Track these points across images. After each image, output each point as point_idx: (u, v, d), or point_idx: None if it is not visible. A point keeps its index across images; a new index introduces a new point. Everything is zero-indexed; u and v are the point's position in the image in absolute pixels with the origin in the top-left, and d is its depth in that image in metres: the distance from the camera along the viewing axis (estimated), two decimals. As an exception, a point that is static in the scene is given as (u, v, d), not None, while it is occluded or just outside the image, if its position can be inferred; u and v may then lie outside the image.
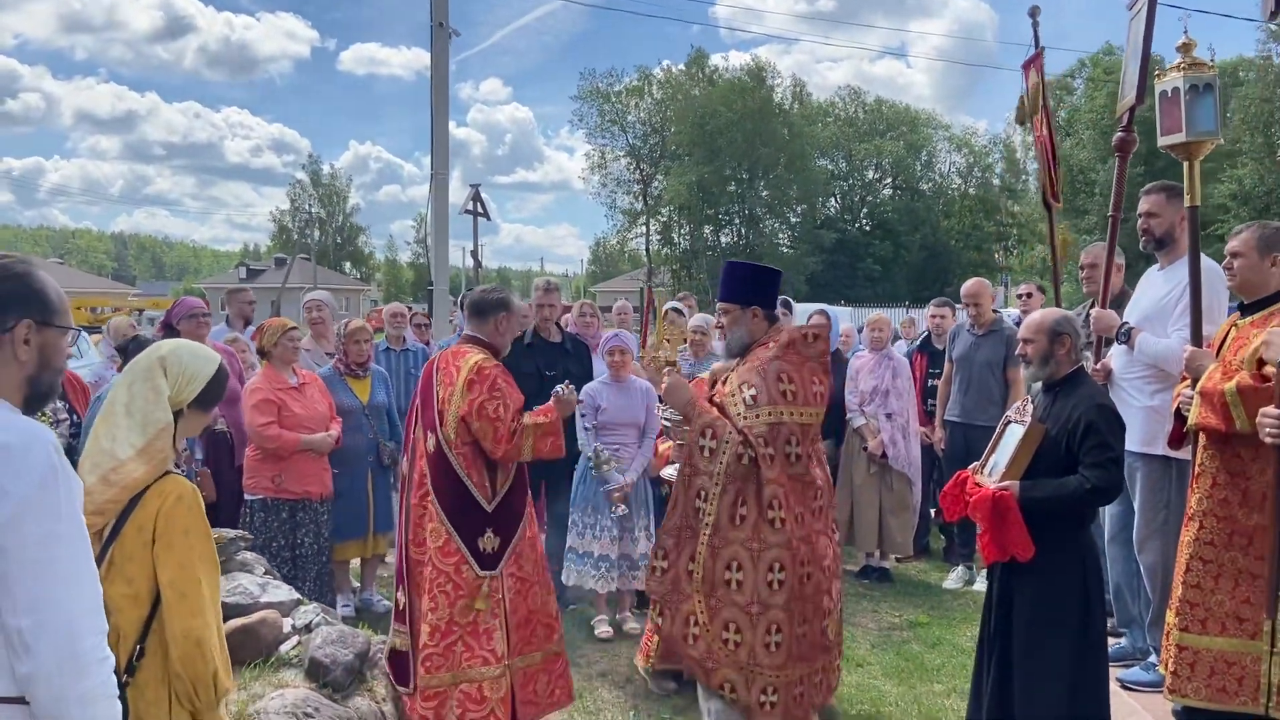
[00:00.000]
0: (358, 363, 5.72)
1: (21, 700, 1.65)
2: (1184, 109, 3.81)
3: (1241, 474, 3.39)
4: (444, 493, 3.74)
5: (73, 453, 3.03)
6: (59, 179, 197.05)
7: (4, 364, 1.73)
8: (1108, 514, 4.61)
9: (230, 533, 4.38)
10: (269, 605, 3.92)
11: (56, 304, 1.79)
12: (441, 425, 3.75)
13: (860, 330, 7.64)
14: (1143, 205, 4.38)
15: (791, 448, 3.38)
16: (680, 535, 3.46)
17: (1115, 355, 4.45)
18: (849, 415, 6.60)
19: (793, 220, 50.90)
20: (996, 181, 55.00)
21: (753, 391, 3.37)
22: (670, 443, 4.78)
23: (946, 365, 6.68)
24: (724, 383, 3.65)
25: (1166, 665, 3.57)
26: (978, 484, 3.42)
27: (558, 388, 3.97)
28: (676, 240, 50.37)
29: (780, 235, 50.94)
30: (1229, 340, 3.55)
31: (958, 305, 7.14)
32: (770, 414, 3.33)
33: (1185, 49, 3.87)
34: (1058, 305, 4.95)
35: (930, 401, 7.02)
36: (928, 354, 7.28)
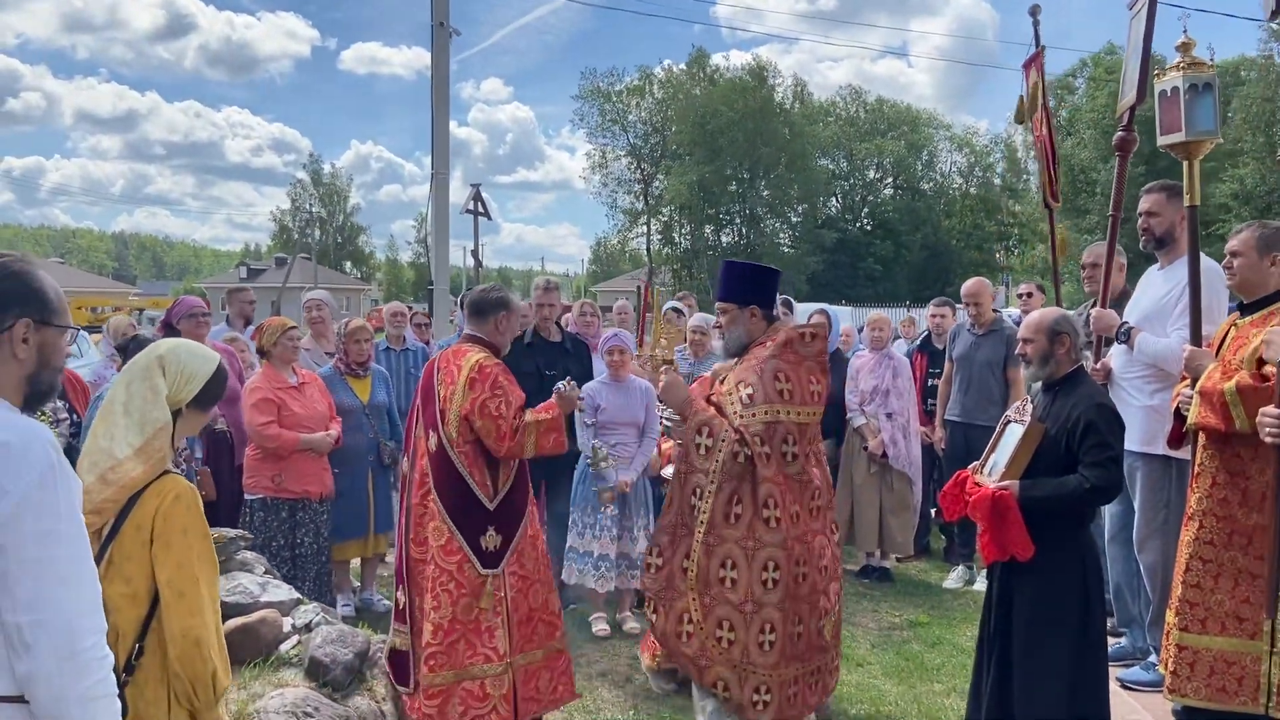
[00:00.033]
0: (358, 362, 5.73)
1: (21, 699, 1.65)
2: (1183, 108, 3.80)
3: (1241, 473, 3.39)
4: (446, 491, 3.75)
5: (73, 452, 3.02)
6: (60, 178, 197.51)
7: (3, 363, 1.73)
8: (1108, 513, 4.61)
9: (230, 532, 4.38)
10: (269, 604, 3.92)
11: (55, 303, 1.80)
12: (443, 424, 3.76)
13: (860, 330, 7.64)
14: (1143, 204, 4.38)
15: (788, 447, 3.37)
16: (675, 533, 3.46)
17: (1115, 355, 4.45)
18: (849, 415, 6.60)
19: (794, 220, 50.90)
20: (998, 181, 54.98)
21: (749, 390, 3.37)
22: (672, 442, 4.78)
23: (947, 365, 6.68)
24: (722, 382, 3.65)
25: (1166, 665, 3.57)
26: (977, 483, 3.42)
27: (559, 384, 3.97)
28: (677, 240, 50.38)
29: (781, 235, 50.95)
30: (1228, 340, 3.55)
31: (958, 305, 7.14)
32: (766, 413, 3.33)
33: (1184, 48, 3.87)
34: (1058, 305, 4.95)
35: (930, 401, 7.02)
36: (928, 353, 7.28)
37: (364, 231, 78.24)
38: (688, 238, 49.67)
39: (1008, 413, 3.64)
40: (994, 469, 3.42)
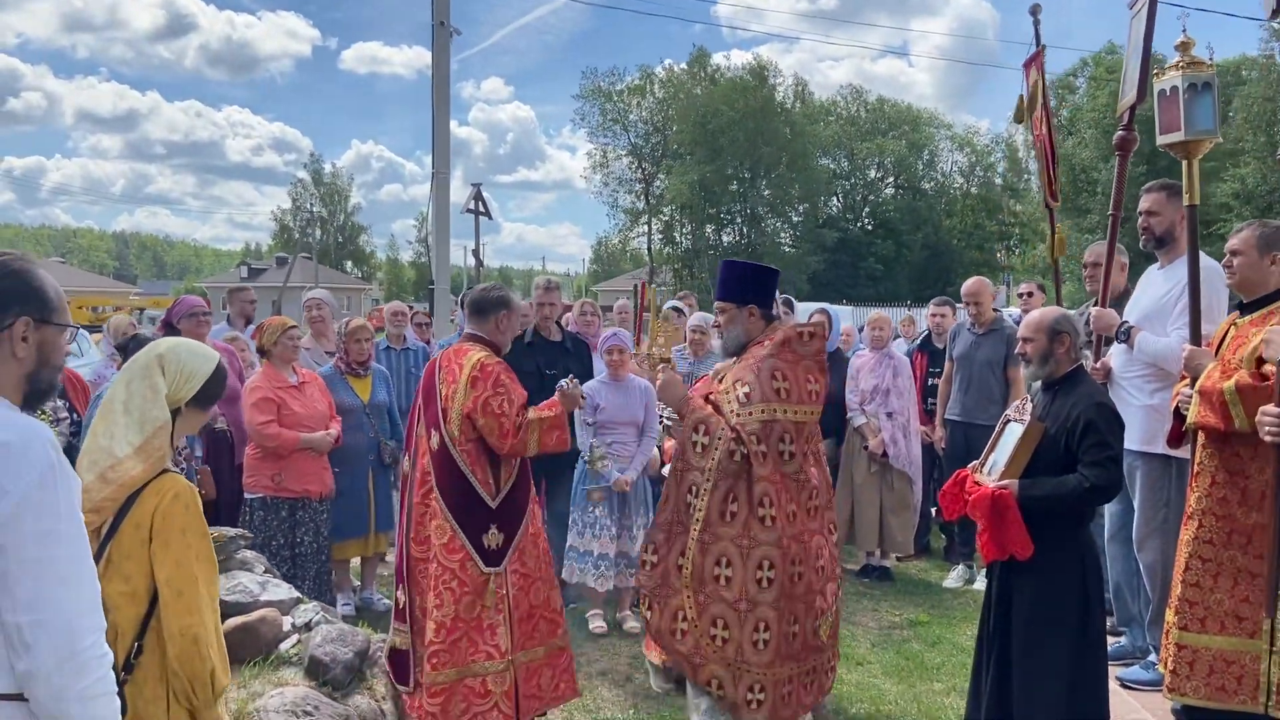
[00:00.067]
0: (359, 361, 5.73)
1: (21, 697, 1.65)
2: (1182, 108, 3.80)
3: (1240, 473, 3.39)
4: (448, 490, 3.75)
5: (73, 451, 3.03)
6: (60, 178, 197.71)
7: (3, 361, 1.73)
8: (1107, 512, 4.61)
9: (230, 531, 4.39)
10: (269, 603, 3.93)
11: (55, 301, 1.80)
12: (445, 422, 3.76)
13: (861, 329, 7.64)
14: (1143, 204, 4.38)
15: (785, 445, 3.37)
16: (671, 530, 3.46)
17: (1115, 354, 4.45)
18: (850, 414, 6.60)
19: (795, 219, 50.90)
20: (999, 181, 54.96)
21: (746, 389, 3.37)
22: (673, 441, 4.79)
23: (947, 364, 6.68)
24: (721, 381, 3.65)
25: (1166, 664, 3.57)
26: (977, 483, 3.42)
27: (562, 382, 3.97)
28: (678, 239, 50.38)
29: (782, 234, 50.96)
30: (1228, 339, 3.55)
31: (958, 304, 7.15)
32: (763, 411, 3.33)
33: (1183, 48, 3.86)
34: (1058, 304, 4.95)
35: (930, 400, 7.02)
36: (928, 353, 7.27)
37: (365, 231, 78.41)
38: (689, 237, 49.67)
39: (1007, 412, 3.64)
40: (993, 468, 3.42)
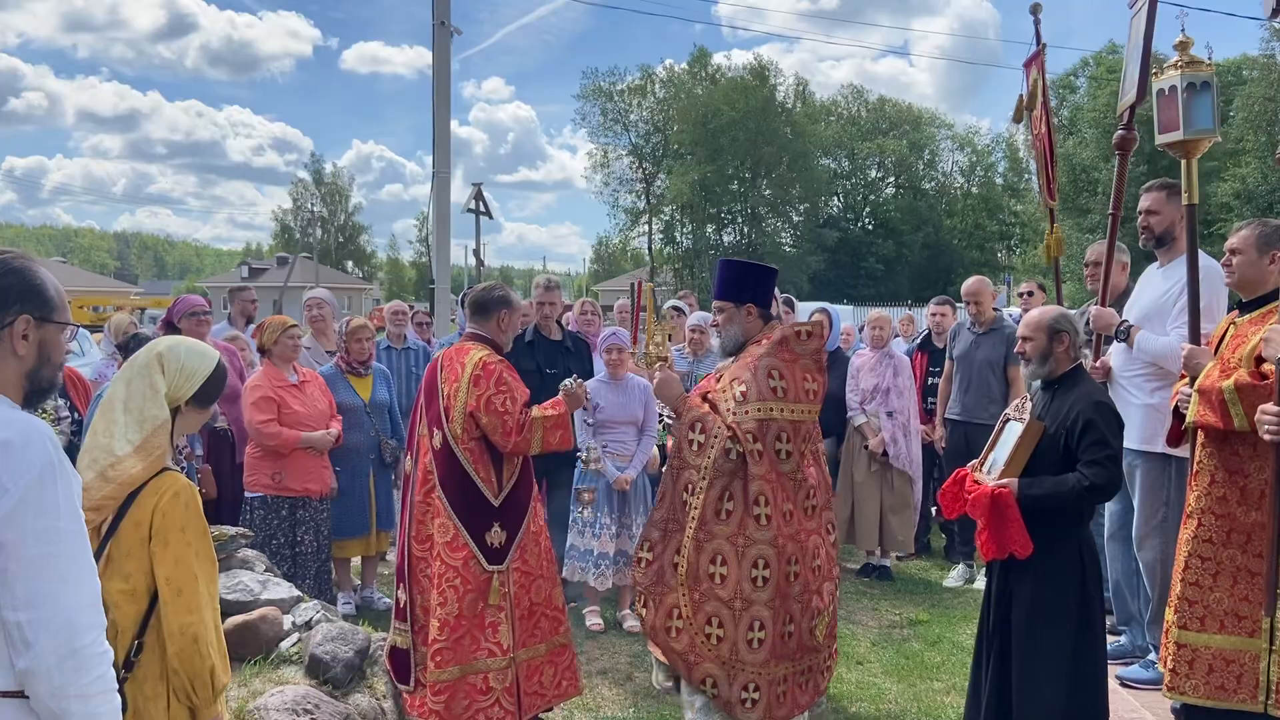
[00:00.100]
0: (359, 361, 5.74)
1: (21, 694, 1.66)
2: (1181, 107, 3.80)
3: (1240, 471, 3.39)
4: (451, 488, 3.76)
5: (73, 450, 3.04)
6: (61, 178, 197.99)
7: (3, 359, 1.74)
8: (1107, 511, 4.61)
9: (230, 530, 4.40)
10: (269, 602, 3.93)
11: (55, 299, 1.80)
12: (448, 421, 3.77)
13: (861, 329, 7.64)
14: (1143, 203, 4.38)
15: (781, 444, 3.36)
16: (667, 528, 3.45)
17: (1114, 353, 4.45)
18: (850, 414, 6.60)
19: (795, 219, 50.91)
20: (999, 180, 54.98)
21: (743, 388, 3.37)
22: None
23: (947, 363, 6.68)
24: (719, 379, 3.65)
25: (1165, 663, 3.57)
26: (976, 482, 3.42)
27: (566, 382, 3.97)
28: (679, 239, 50.40)
29: (783, 234, 50.98)
30: (1227, 338, 3.55)
31: (958, 304, 7.15)
32: (760, 410, 3.32)
33: (1182, 47, 3.86)
34: (1059, 303, 4.95)
35: (930, 400, 7.03)
36: (928, 352, 7.28)
37: (365, 231, 78.46)
38: (689, 237, 49.68)
39: (1007, 411, 3.64)
40: (993, 467, 3.42)
